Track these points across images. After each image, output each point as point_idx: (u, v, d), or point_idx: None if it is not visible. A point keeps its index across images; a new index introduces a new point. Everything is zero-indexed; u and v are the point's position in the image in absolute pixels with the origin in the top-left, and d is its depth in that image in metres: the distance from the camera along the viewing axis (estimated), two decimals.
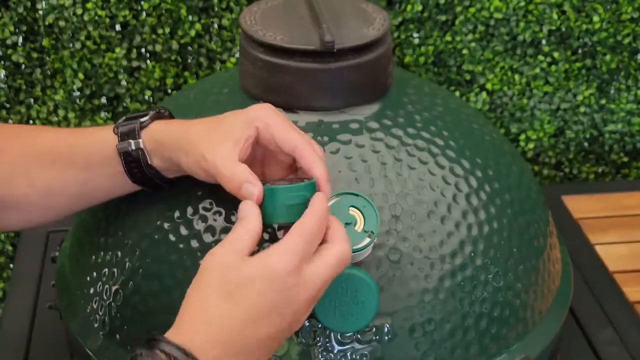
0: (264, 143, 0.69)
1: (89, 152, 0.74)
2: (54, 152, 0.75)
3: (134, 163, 0.72)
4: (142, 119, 0.73)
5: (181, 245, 0.74)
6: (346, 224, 0.68)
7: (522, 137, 1.38)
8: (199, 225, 0.74)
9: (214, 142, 0.68)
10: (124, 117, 0.74)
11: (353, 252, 0.68)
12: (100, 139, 0.74)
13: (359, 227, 0.69)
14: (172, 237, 0.75)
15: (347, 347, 0.71)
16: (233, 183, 0.66)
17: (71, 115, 1.27)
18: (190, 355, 0.59)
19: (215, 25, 1.26)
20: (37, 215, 0.77)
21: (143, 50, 1.25)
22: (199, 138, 0.69)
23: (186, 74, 1.27)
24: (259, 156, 0.71)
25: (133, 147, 0.72)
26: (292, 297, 0.62)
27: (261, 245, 0.69)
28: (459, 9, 1.28)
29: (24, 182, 0.75)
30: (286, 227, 0.65)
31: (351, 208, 0.69)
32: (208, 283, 0.62)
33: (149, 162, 0.72)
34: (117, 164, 0.73)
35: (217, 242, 0.73)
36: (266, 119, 0.68)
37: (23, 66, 1.25)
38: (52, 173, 0.75)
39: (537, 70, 1.33)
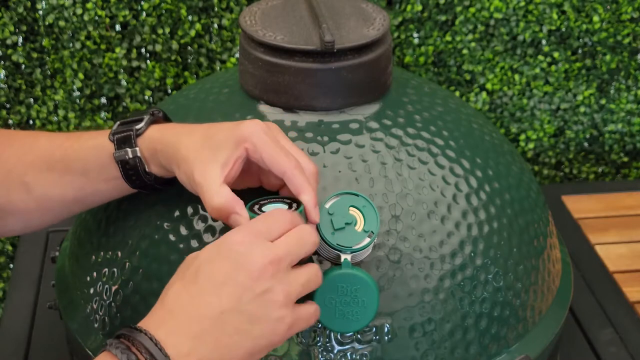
0: (255, 161, 0.68)
1: (85, 158, 0.73)
2: (50, 159, 0.74)
3: (131, 171, 0.72)
4: (138, 126, 0.72)
5: (181, 245, 0.74)
6: (346, 223, 0.68)
7: (522, 137, 1.38)
8: (199, 225, 0.74)
9: (203, 161, 0.67)
10: (118, 122, 0.73)
11: (353, 252, 0.68)
12: (95, 146, 0.73)
13: (359, 227, 0.69)
14: (172, 237, 0.75)
15: (347, 347, 0.71)
16: (216, 213, 0.66)
17: (71, 115, 1.27)
18: (156, 344, 0.60)
19: (215, 25, 1.26)
20: (35, 219, 0.77)
21: (143, 50, 1.25)
22: (190, 153, 0.68)
23: (186, 74, 1.27)
24: (255, 166, 0.71)
25: (130, 156, 0.71)
26: (243, 264, 0.61)
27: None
28: (459, 9, 1.28)
29: (21, 189, 0.75)
30: None
31: (351, 208, 0.69)
32: (176, 273, 0.64)
33: (146, 169, 0.72)
34: (115, 170, 0.73)
35: None
36: (254, 140, 0.67)
37: (23, 66, 1.25)
38: (49, 179, 0.74)
39: (537, 70, 1.33)
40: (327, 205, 0.68)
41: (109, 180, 0.74)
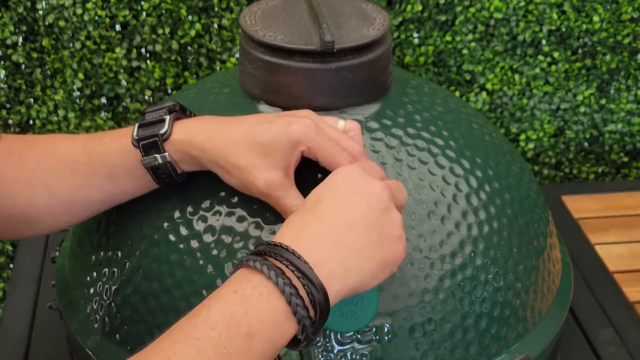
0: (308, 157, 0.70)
1: (112, 164, 0.72)
2: (73, 162, 0.73)
3: (163, 174, 0.72)
4: (162, 131, 0.70)
5: (181, 245, 0.74)
6: None
7: (522, 137, 1.38)
8: (199, 226, 0.74)
9: (261, 169, 0.68)
10: (137, 125, 0.72)
11: None
12: (120, 150, 0.72)
13: None
14: (172, 237, 0.75)
15: (347, 347, 0.71)
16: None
17: (71, 115, 1.27)
18: (294, 253, 0.60)
19: (215, 25, 1.26)
20: (62, 220, 0.76)
21: (143, 50, 1.25)
22: (240, 160, 0.68)
23: (186, 74, 1.27)
24: None
25: (160, 161, 0.71)
26: (364, 183, 0.64)
27: None
28: (459, 9, 1.28)
29: (45, 193, 0.74)
30: None
31: None
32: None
33: (178, 171, 0.72)
34: (143, 171, 0.72)
35: (216, 242, 0.73)
36: (309, 144, 0.68)
37: (23, 66, 1.25)
38: (74, 183, 0.73)
39: (537, 70, 1.33)
40: None
41: (137, 180, 0.73)
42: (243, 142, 0.68)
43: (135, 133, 0.71)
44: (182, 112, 0.74)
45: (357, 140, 0.71)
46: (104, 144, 0.73)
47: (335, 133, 0.70)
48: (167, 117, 0.72)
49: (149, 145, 0.70)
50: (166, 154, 0.71)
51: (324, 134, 0.69)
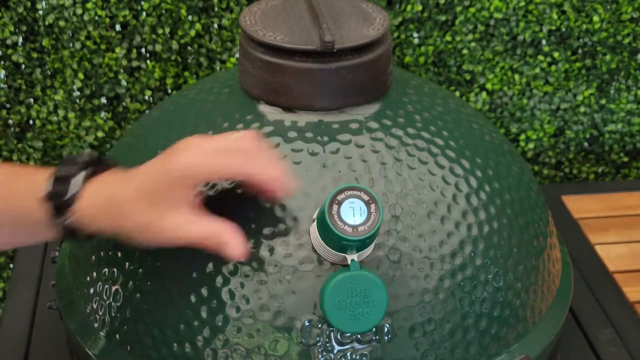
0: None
1: (20, 210, 0.69)
2: None
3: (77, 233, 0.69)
4: (69, 195, 0.67)
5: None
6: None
7: (522, 137, 1.38)
8: None
9: (159, 220, 0.64)
10: (53, 177, 0.68)
11: (358, 251, 0.68)
12: (32, 199, 0.68)
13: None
14: None
15: (347, 347, 0.71)
16: (209, 246, 0.66)
17: (71, 115, 1.27)
18: None
19: (215, 25, 1.26)
20: None
21: (143, 50, 1.25)
22: (139, 218, 0.64)
23: (186, 74, 1.27)
24: None
25: (70, 223, 0.68)
26: None
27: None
28: (459, 9, 1.28)
29: None
30: None
31: None
32: None
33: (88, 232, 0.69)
34: (56, 224, 0.68)
35: None
36: (201, 173, 0.64)
37: (23, 66, 1.25)
38: None
39: (537, 70, 1.33)
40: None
41: (49, 230, 0.69)
42: (136, 199, 0.65)
43: (47, 187, 0.68)
44: (98, 165, 0.70)
45: (254, 141, 0.67)
46: (14, 188, 0.70)
47: (219, 141, 0.66)
48: (80, 176, 0.68)
49: (58, 206, 0.67)
50: (74, 217, 0.67)
51: (211, 153, 0.64)
